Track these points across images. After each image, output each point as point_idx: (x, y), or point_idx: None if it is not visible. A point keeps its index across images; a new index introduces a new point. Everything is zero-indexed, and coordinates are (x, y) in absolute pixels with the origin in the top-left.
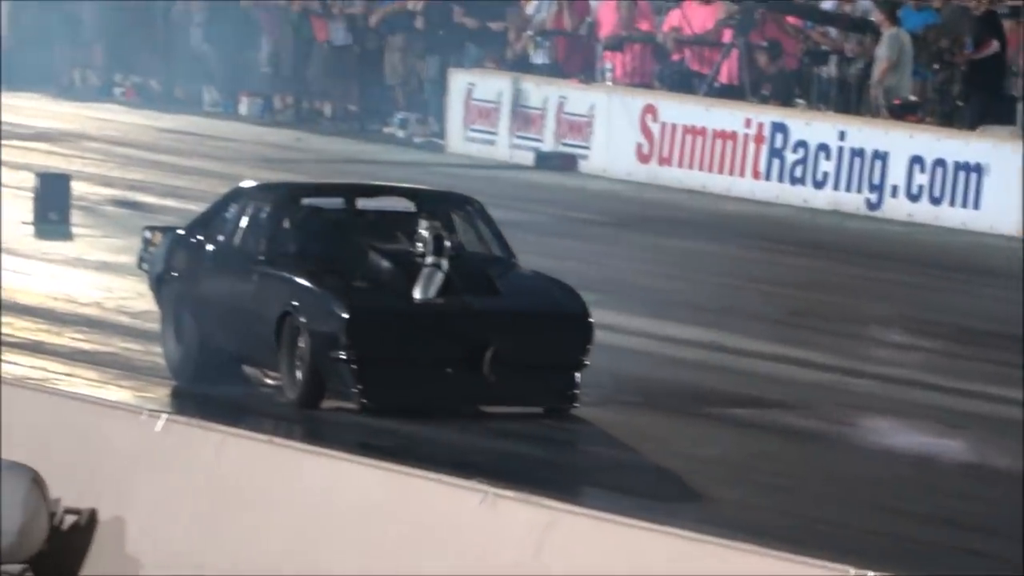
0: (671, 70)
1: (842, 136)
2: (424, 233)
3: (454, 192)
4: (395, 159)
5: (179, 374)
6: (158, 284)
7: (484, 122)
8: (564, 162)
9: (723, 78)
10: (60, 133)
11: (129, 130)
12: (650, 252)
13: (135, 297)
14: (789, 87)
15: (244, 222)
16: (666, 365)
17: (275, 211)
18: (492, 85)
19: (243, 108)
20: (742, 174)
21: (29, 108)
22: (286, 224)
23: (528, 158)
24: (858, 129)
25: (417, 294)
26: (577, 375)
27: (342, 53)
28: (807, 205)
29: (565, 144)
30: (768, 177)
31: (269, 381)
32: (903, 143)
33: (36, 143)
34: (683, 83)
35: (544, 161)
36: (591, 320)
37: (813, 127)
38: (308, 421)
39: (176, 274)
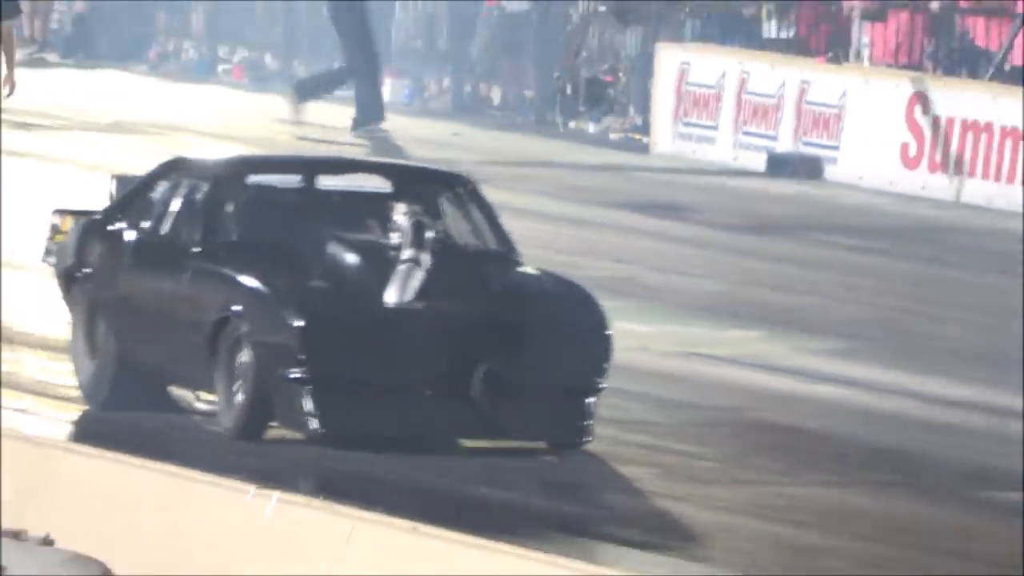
0: (948, 47)
1: None
2: (401, 220)
3: (441, 169)
4: (583, 161)
5: (92, 396)
6: (66, 282)
7: (701, 113)
8: (806, 167)
9: (1017, 59)
10: (146, 123)
11: (236, 119)
12: (915, 287)
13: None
14: None
15: (175, 205)
16: (933, 433)
17: (214, 191)
18: (713, 65)
19: (385, 92)
20: None
21: (107, 89)
22: (228, 207)
23: (758, 161)
24: None
25: (391, 297)
26: (590, 402)
27: (516, 22)
28: None
29: (807, 144)
30: None
31: (202, 406)
32: None
33: (112, 134)
34: (964, 64)
35: (779, 166)
36: (609, 333)
37: None
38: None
39: (89, 270)
